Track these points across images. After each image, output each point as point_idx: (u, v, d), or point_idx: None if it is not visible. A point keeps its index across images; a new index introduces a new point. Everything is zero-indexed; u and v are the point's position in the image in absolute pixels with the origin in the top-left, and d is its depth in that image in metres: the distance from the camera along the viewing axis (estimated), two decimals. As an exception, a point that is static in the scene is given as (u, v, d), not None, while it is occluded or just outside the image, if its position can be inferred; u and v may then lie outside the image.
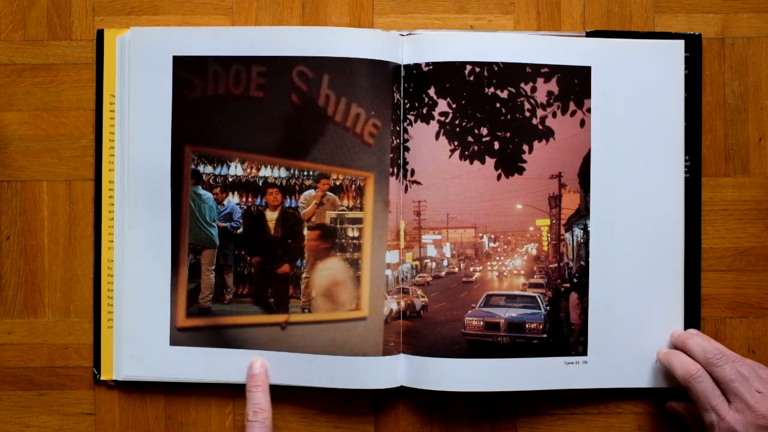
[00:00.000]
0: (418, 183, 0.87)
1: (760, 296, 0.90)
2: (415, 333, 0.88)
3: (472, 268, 0.92)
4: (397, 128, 0.87)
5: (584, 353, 0.88)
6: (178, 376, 0.88)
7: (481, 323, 0.88)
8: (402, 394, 0.89)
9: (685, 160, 0.89)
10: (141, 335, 0.88)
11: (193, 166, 0.88)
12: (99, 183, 0.89)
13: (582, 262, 0.89)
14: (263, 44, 0.87)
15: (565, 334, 0.88)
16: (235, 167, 0.88)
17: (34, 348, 0.90)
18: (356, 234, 0.88)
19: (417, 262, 0.91)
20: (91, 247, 0.90)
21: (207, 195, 0.88)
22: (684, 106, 0.89)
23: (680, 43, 0.88)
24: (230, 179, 0.88)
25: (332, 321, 0.87)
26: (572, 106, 0.88)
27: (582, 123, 0.88)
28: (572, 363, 0.88)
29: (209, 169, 0.88)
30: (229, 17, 0.90)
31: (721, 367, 0.80)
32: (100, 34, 0.89)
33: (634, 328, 0.88)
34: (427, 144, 0.87)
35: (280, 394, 0.89)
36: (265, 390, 0.85)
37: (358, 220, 0.88)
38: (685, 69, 0.89)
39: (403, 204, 0.88)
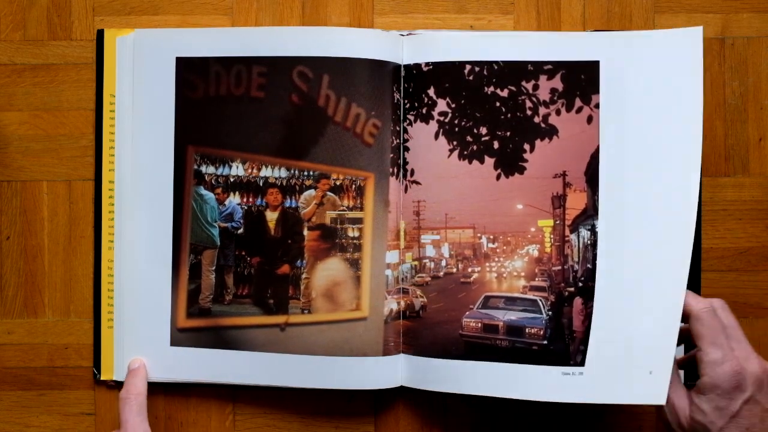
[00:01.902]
0: (417, 183, 0.87)
1: (760, 296, 0.90)
2: (415, 333, 0.87)
3: (470, 269, 0.90)
4: (397, 128, 0.87)
5: (581, 363, 0.83)
6: (178, 376, 0.88)
7: (479, 325, 0.87)
8: (402, 394, 0.89)
9: (685, 160, 0.87)
10: (141, 335, 0.88)
11: (195, 167, 0.88)
12: (99, 183, 0.89)
13: (588, 265, 0.85)
14: (264, 44, 0.87)
15: (566, 342, 0.85)
16: (237, 167, 0.88)
17: (34, 348, 0.90)
18: (356, 234, 0.88)
19: (416, 262, 0.90)
20: (91, 247, 0.89)
21: (209, 195, 0.88)
22: (702, 98, 0.83)
23: (699, 30, 0.84)
24: (231, 179, 0.88)
25: (332, 321, 0.87)
26: (578, 103, 0.85)
27: (589, 119, 0.85)
28: (568, 374, 0.83)
29: (211, 169, 0.88)
30: (229, 17, 0.90)
31: (727, 316, 0.78)
32: (100, 34, 0.89)
33: (636, 338, 0.82)
34: (426, 144, 0.87)
35: (280, 395, 0.89)
36: (143, 379, 0.86)
37: (358, 220, 0.88)
38: (686, 69, 0.87)
39: (403, 204, 0.87)
